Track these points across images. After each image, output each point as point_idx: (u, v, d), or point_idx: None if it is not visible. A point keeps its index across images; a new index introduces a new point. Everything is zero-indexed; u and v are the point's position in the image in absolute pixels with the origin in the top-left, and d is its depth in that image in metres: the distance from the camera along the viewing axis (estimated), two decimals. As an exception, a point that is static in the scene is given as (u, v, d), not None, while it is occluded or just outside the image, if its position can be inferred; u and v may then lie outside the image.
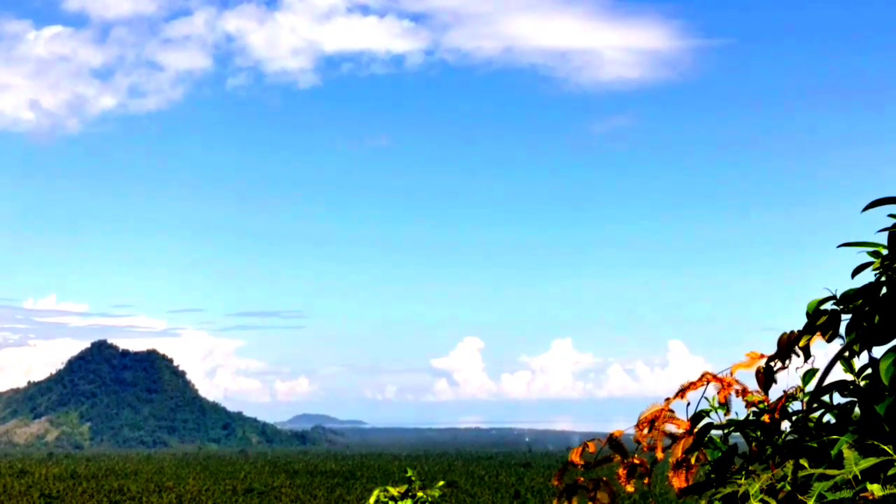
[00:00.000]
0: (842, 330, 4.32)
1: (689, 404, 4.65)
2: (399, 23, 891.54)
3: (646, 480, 4.64)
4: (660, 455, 4.59)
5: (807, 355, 4.45)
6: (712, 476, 4.57)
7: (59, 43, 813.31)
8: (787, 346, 4.49)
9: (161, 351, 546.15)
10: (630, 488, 4.65)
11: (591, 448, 4.70)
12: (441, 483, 12.59)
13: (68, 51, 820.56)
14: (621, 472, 4.63)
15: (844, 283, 4.34)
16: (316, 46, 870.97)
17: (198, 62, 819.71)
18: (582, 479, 4.70)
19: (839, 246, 4.36)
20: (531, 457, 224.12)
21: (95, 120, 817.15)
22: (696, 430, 4.62)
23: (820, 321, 4.37)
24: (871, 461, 3.57)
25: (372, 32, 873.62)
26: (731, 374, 4.63)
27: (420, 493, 11.97)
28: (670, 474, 4.53)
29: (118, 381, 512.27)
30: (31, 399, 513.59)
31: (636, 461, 4.64)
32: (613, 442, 4.65)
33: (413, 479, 12.13)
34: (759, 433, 4.51)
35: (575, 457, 4.71)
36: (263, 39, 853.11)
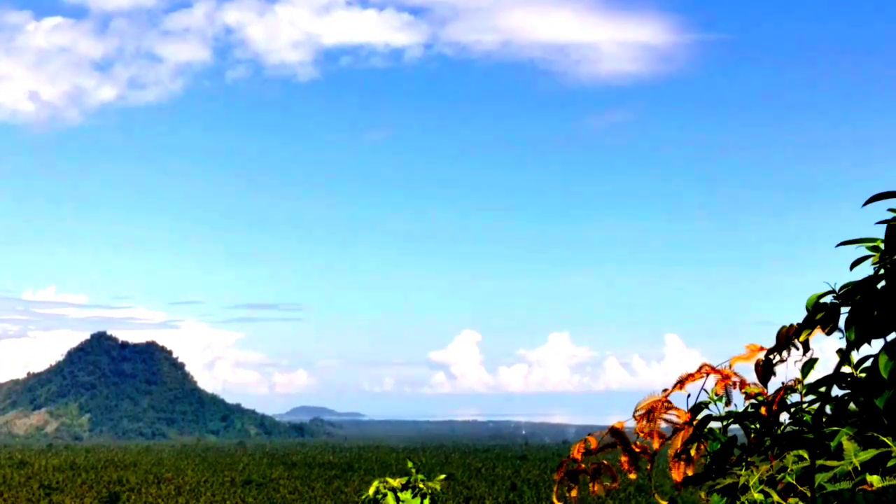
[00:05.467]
0: (841, 323, 4.35)
1: (688, 396, 4.69)
2: (398, 16, 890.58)
3: (648, 466, 4.68)
4: (656, 445, 4.62)
5: (805, 349, 4.48)
6: (711, 467, 4.61)
7: (59, 34, 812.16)
8: (786, 339, 4.52)
9: (160, 343, 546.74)
10: (633, 475, 4.69)
11: (593, 443, 4.73)
12: (441, 477, 12.62)
13: (68, 42, 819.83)
14: (623, 459, 4.67)
15: (842, 277, 4.37)
16: (315, 39, 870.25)
17: (197, 54, 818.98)
18: (583, 465, 4.74)
19: (838, 245, 4.39)
20: (528, 449, 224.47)
21: (95, 111, 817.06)
22: (695, 421, 4.65)
23: (819, 315, 4.40)
24: (871, 453, 3.60)
25: (371, 26, 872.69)
26: (731, 366, 4.67)
27: (421, 485, 12.01)
28: (672, 464, 4.56)
29: (117, 372, 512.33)
30: (31, 390, 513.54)
31: (638, 448, 4.68)
32: (615, 432, 4.69)
33: (413, 471, 12.17)
34: (757, 425, 4.54)
35: (576, 452, 4.74)
36: (263, 32, 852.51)
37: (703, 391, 4.67)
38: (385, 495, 12.00)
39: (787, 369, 4.54)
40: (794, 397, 4.53)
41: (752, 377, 4.62)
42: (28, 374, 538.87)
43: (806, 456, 3.93)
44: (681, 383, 4.66)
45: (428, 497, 12.07)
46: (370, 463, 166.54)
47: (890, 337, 4.09)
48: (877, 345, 4.13)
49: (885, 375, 3.92)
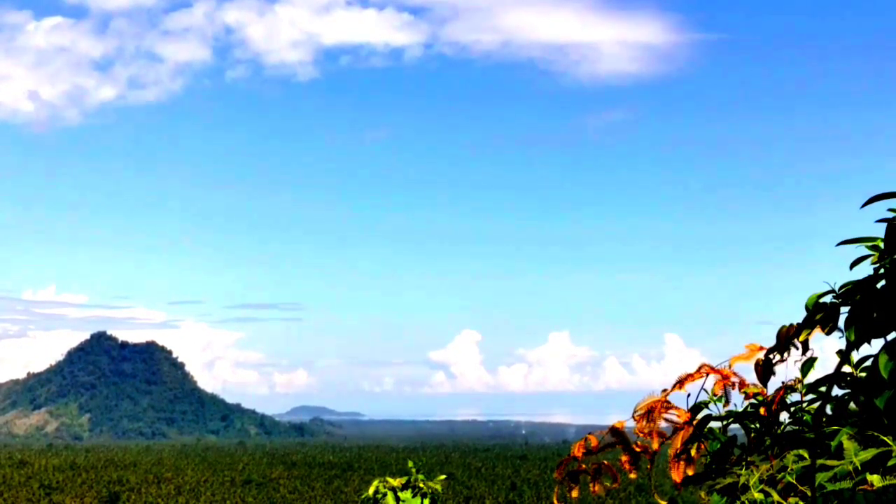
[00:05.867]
0: (841, 323, 4.35)
1: (688, 395, 4.69)
2: (398, 16, 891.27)
3: (648, 466, 4.68)
4: (655, 444, 4.63)
5: (805, 349, 4.48)
6: (711, 467, 4.62)
7: (59, 34, 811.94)
8: (786, 339, 4.52)
9: (160, 343, 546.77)
10: (633, 475, 4.70)
11: (593, 441, 4.73)
12: (442, 477, 12.61)
13: (68, 42, 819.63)
14: (624, 458, 4.67)
15: (843, 276, 4.38)
16: (315, 39, 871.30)
17: (197, 54, 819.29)
18: (584, 465, 4.74)
19: (838, 244, 4.39)
20: (528, 449, 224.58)
21: (95, 111, 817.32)
22: (695, 421, 4.65)
23: (819, 315, 4.40)
24: (871, 452, 3.61)
25: (371, 25, 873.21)
26: (730, 366, 4.67)
27: (421, 484, 12.01)
28: (672, 463, 4.57)
29: (117, 372, 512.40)
30: (31, 390, 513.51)
31: (638, 448, 4.68)
32: (615, 432, 4.69)
33: (413, 471, 12.17)
34: (757, 424, 4.55)
35: (577, 451, 4.74)
36: (263, 32, 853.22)
37: (702, 391, 4.67)
38: (385, 495, 12.01)
39: (787, 369, 4.55)
40: (794, 397, 4.54)
41: (751, 377, 4.62)
42: (28, 373, 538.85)
43: (806, 455, 3.94)
44: (680, 383, 4.66)
45: (428, 497, 12.08)
46: (370, 463, 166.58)
47: (890, 336, 4.09)
48: (877, 344, 4.14)
49: (885, 375, 3.93)
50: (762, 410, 4.51)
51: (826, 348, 4.50)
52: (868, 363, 4.25)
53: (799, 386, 4.51)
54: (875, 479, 3.50)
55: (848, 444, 3.67)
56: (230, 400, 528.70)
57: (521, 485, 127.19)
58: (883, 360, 3.98)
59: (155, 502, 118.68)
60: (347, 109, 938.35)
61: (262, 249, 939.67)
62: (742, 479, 4.06)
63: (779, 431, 4.46)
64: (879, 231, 4.29)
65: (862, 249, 4.32)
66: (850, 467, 3.59)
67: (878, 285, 4.20)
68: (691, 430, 4.63)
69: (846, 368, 4.37)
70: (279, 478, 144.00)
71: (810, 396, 4.53)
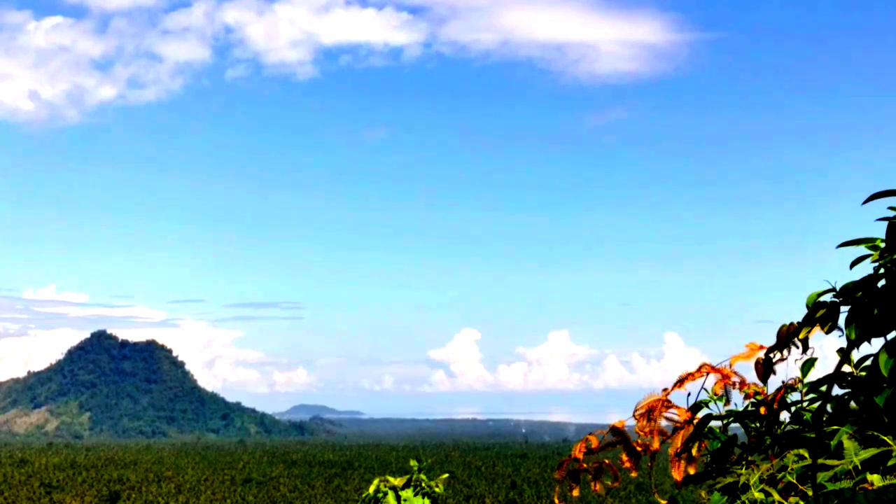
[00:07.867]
0: (841, 322, 4.35)
1: (688, 394, 4.68)
2: (397, 15, 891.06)
3: (649, 463, 4.68)
4: (656, 445, 4.62)
5: (805, 347, 4.48)
6: (712, 466, 4.61)
7: (59, 33, 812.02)
8: (787, 337, 4.51)
9: (160, 341, 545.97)
10: (634, 474, 4.69)
11: (594, 442, 4.73)
12: (444, 476, 12.58)
13: (68, 41, 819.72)
14: (624, 457, 4.67)
15: (843, 275, 4.37)
16: (314, 38, 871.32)
17: (197, 53, 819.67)
18: (585, 464, 4.74)
19: (839, 246, 4.39)
20: (528, 448, 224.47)
21: (95, 111, 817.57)
22: (695, 420, 4.65)
23: (819, 313, 4.39)
24: (871, 452, 3.61)
25: (370, 25, 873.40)
26: (731, 365, 4.66)
27: (423, 485, 12.00)
28: (672, 462, 4.56)
29: (117, 371, 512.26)
30: (31, 389, 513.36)
31: (639, 447, 4.68)
32: (616, 431, 4.69)
33: (414, 469, 12.16)
34: (758, 424, 4.54)
35: (578, 452, 4.73)
36: (262, 31, 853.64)
37: (703, 390, 4.66)
38: (385, 494, 12.00)
39: (788, 368, 4.54)
40: (795, 396, 4.53)
41: (752, 376, 4.62)
42: (28, 372, 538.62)
43: (806, 455, 3.93)
44: (681, 382, 4.66)
45: (429, 497, 12.07)
46: (370, 461, 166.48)
47: (890, 335, 4.09)
48: (877, 343, 4.13)
49: (885, 373, 3.92)
50: (762, 410, 4.50)
51: (826, 347, 4.51)
52: (868, 362, 4.25)
53: (799, 385, 4.50)
54: (875, 479, 3.50)
55: (848, 444, 3.67)
56: (230, 398, 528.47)
57: (521, 483, 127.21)
58: (883, 358, 3.98)
59: (155, 501, 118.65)
60: (346, 109, 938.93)
61: (261, 248, 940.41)
62: (742, 479, 4.05)
63: (779, 431, 4.45)
64: (880, 230, 4.29)
65: (862, 249, 4.32)
66: (850, 467, 3.59)
67: (879, 284, 4.20)
68: (692, 429, 4.63)
69: (846, 367, 4.37)
70: (279, 476, 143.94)
71: (811, 396, 4.52)
